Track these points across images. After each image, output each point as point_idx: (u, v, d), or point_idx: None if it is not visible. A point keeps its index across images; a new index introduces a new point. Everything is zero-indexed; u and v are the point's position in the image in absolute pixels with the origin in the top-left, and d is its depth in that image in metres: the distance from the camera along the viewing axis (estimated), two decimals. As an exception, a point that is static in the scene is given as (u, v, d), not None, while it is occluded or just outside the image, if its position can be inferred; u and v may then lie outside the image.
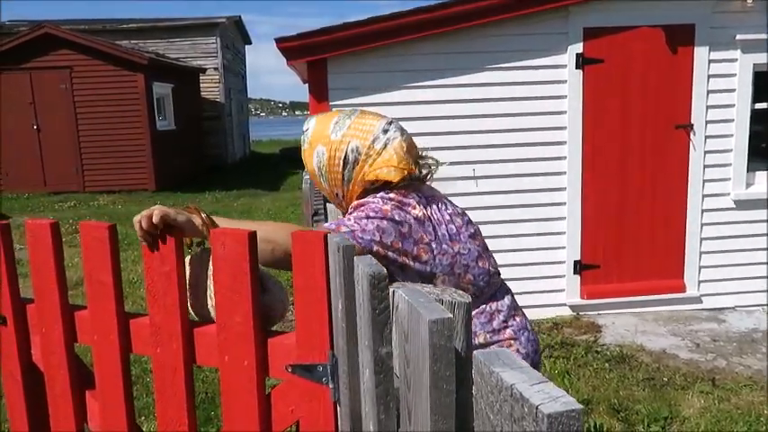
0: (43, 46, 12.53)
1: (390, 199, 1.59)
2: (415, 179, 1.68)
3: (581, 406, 0.42)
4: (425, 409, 0.69)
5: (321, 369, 1.30)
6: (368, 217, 1.54)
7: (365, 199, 1.63)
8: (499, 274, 1.73)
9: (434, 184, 1.80)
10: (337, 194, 1.75)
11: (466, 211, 1.74)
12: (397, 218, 1.54)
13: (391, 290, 0.96)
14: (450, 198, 1.76)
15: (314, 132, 1.73)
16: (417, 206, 1.59)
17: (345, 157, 1.68)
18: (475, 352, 0.52)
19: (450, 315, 0.67)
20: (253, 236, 1.39)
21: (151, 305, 1.55)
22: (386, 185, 1.64)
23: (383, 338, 0.92)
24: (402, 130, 1.71)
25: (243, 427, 1.46)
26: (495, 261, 1.73)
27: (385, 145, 1.66)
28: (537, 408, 0.42)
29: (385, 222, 1.53)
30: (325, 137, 1.71)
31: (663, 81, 4.78)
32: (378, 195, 1.61)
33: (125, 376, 1.65)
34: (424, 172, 1.71)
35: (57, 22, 13.50)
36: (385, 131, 1.68)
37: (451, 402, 0.68)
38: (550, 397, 0.43)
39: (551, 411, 0.41)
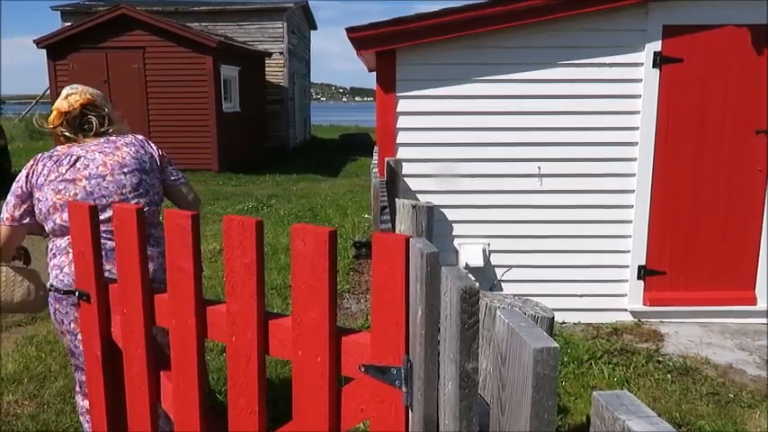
0: (119, 26, 12.96)
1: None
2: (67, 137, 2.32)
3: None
4: (523, 436, 0.67)
5: (395, 372, 1.31)
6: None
7: None
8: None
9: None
10: None
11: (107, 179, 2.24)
12: (24, 174, 2.25)
13: (482, 302, 0.95)
14: (101, 154, 2.26)
15: None
16: (30, 165, 2.25)
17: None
18: (595, 393, 0.51)
19: (556, 345, 0.66)
20: (333, 234, 1.40)
21: (229, 294, 1.58)
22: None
23: (470, 353, 0.91)
24: (73, 92, 2.33)
25: (312, 421, 1.49)
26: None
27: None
28: (674, 466, 0.41)
29: (22, 178, 2.25)
30: None
31: (745, 83, 4.56)
32: None
33: (199, 360, 1.70)
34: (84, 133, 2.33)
35: (132, 3, 13.94)
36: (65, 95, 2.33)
37: (551, 432, 0.66)
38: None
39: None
